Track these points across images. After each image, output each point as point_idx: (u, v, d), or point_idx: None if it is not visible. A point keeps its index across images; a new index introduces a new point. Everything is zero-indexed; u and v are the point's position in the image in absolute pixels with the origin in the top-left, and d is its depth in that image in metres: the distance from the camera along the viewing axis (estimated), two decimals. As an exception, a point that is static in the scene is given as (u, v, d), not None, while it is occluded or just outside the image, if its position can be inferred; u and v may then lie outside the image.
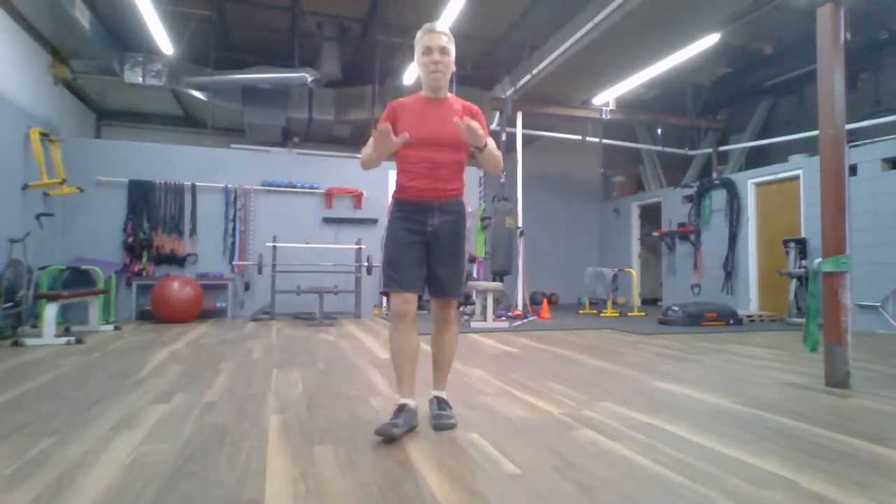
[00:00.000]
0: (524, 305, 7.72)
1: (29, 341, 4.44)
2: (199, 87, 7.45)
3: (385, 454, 1.85)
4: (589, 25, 5.97)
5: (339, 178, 7.81)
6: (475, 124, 2.02)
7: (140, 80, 7.05)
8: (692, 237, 8.67)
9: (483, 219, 8.25)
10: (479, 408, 2.49)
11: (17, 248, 5.25)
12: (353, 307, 7.52)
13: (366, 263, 7.43)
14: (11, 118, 5.49)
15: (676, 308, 6.42)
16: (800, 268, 6.58)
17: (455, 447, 1.93)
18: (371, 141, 2.14)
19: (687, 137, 9.69)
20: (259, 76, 7.36)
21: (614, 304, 8.57)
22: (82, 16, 5.73)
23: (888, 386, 3.04)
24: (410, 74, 7.05)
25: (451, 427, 2.15)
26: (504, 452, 1.87)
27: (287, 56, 7.76)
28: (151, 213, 7.03)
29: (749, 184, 7.79)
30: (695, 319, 6.24)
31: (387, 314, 2.24)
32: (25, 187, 5.69)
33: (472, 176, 8.66)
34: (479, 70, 8.32)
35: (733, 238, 7.92)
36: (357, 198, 7.95)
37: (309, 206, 7.81)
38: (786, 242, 6.89)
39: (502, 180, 7.55)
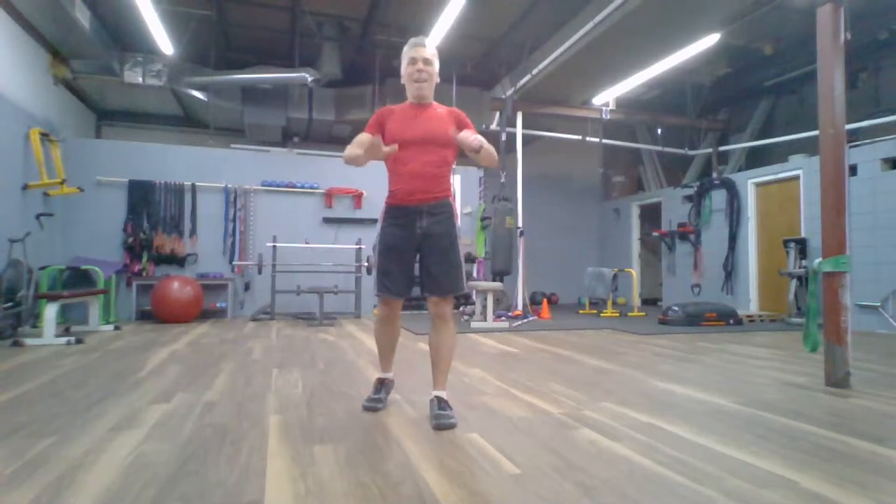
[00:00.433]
0: (524, 305, 7.72)
1: (29, 341, 4.44)
2: (199, 87, 7.44)
3: (385, 454, 1.85)
4: (589, 25, 5.97)
5: (339, 178, 7.81)
6: (469, 132, 2.17)
7: (140, 80, 7.04)
8: (692, 237, 8.67)
9: (483, 219, 8.25)
10: (479, 408, 2.49)
11: (17, 248, 5.25)
12: (353, 307, 7.52)
13: (366, 263, 7.42)
14: (11, 118, 5.49)
15: (676, 308, 6.42)
16: (800, 268, 6.58)
17: (455, 447, 1.93)
18: (358, 139, 2.27)
19: (687, 137, 9.68)
20: (259, 76, 7.35)
21: (614, 304, 8.57)
22: (82, 16, 5.72)
23: (888, 386, 3.04)
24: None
25: (451, 427, 2.17)
26: (504, 452, 1.87)
27: (287, 56, 7.76)
28: (151, 213, 7.03)
29: (749, 184, 7.80)
30: (695, 319, 6.24)
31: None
32: (25, 187, 5.69)
33: (472, 176, 8.66)
34: (479, 70, 8.31)
35: (733, 238, 7.92)
36: (357, 198, 7.95)
37: (309, 206, 7.81)
38: (786, 242, 6.89)
39: (502, 180, 7.55)
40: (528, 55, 7.35)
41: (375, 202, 7.90)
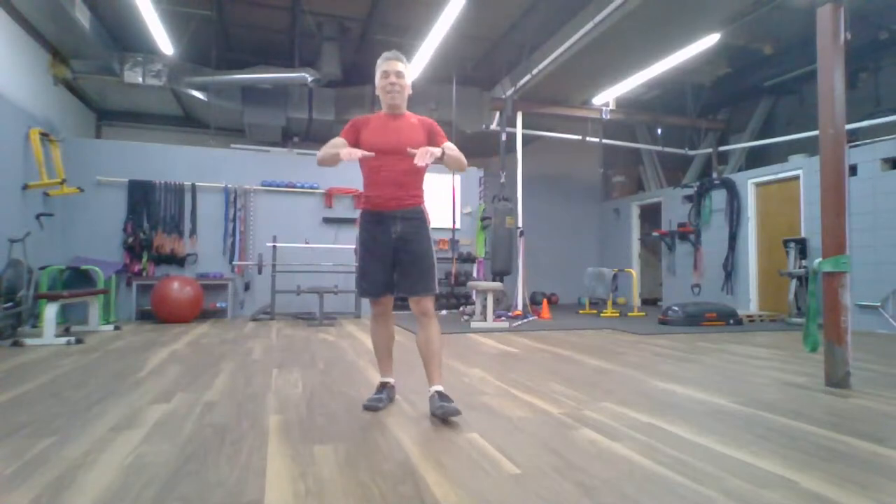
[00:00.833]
0: (524, 305, 7.72)
1: (29, 341, 4.44)
2: (199, 87, 7.44)
3: (385, 454, 1.85)
4: (589, 25, 5.97)
5: (339, 178, 7.80)
6: (424, 149, 2.28)
7: (140, 80, 7.04)
8: (692, 237, 8.66)
9: (483, 219, 8.25)
10: (479, 408, 2.49)
11: (17, 248, 5.25)
12: (353, 307, 7.52)
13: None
14: (11, 118, 5.49)
15: (676, 308, 6.42)
16: (800, 268, 6.58)
17: (455, 447, 1.93)
18: (332, 141, 2.42)
19: (687, 137, 9.68)
20: (259, 76, 7.35)
21: (614, 304, 8.57)
22: (82, 16, 5.72)
23: (888, 386, 3.04)
24: (410, 74, 7.04)
25: (457, 412, 2.24)
26: (504, 452, 1.87)
27: (287, 56, 7.76)
28: (151, 213, 7.03)
29: (749, 184, 7.80)
30: (695, 319, 6.24)
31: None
32: (25, 187, 5.69)
33: (472, 176, 8.66)
34: (479, 70, 8.31)
35: (733, 238, 7.92)
36: (357, 198, 7.95)
37: (309, 206, 7.81)
38: (786, 242, 6.89)
39: (502, 180, 7.55)
40: (528, 55, 7.35)
41: (375, 202, 7.88)
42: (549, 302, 9.50)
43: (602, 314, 7.77)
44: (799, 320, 6.29)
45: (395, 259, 2.46)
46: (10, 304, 4.79)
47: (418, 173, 2.48)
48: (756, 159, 8.73)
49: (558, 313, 8.08)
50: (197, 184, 7.25)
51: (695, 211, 8.63)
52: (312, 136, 8.92)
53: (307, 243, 7.60)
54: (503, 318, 6.56)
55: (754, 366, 3.68)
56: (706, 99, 9.16)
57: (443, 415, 2.23)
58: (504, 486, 1.58)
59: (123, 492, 1.51)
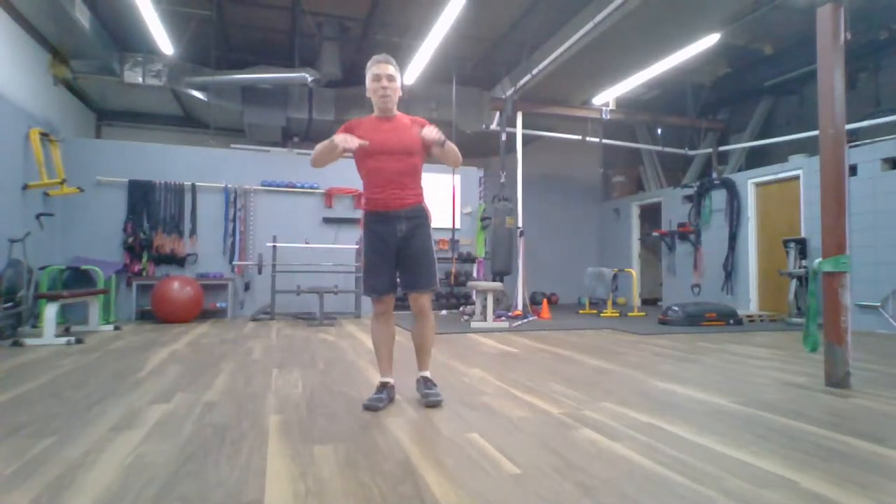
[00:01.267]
0: (524, 305, 7.72)
1: (29, 341, 4.44)
2: (199, 87, 7.44)
3: (385, 454, 1.85)
4: (589, 25, 5.97)
5: (339, 178, 7.80)
6: (431, 127, 2.44)
7: (140, 80, 7.04)
8: (692, 237, 8.66)
9: (483, 219, 8.24)
10: (479, 408, 2.49)
11: (17, 248, 5.25)
12: (353, 307, 7.52)
13: (366, 263, 7.41)
14: (11, 118, 5.49)
15: (676, 308, 6.42)
16: (800, 268, 6.58)
17: (455, 447, 1.93)
18: (325, 142, 2.45)
19: (687, 137, 9.68)
20: (259, 76, 7.35)
21: (614, 304, 8.57)
22: (82, 16, 5.72)
23: (888, 386, 3.04)
24: (410, 74, 7.05)
25: (439, 403, 2.49)
26: (504, 452, 1.87)
27: (287, 56, 7.76)
28: (151, 213, 7.03)
29: (749, 184, 7.79)
30: (695, 319, 6.24)
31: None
32: (25, 187, 5.69)
33: (472, 176, 8.66)
34: (479, 70, 8.31)
35: (733, 238, 7.92)
36: (357, 198, 7.95)
37: (309, 206, 7.81)
38: (786, 242, 6.89)
39: (502, 180, 7.55)
40: (528, 55, 7.35)
41: (375, 202, 7.88)
42: (549, 302, 9.50)
43: (602, 314, 7.77)
44: (799, 320, 6.28)
45: (398, 257, 2.54)
46: (10, 304, 4.79)
47: (416, 172, 2.57)
48: (756, 159, 8.74)
49: (558, 313, 8.08)
50: (197, 184, 7.25)
51: (695, 211, 8.63)
52: (312, 136, 8.91)
53: (307, 243, 7.60)
54: (503, 318, 6.56)
55: (754, 366, 3.68)
56: (706, 99, 9.16)
57: (427, 403, 2.48)
58: (504, 486, 1.58)
59: (123, 492, 1.51)
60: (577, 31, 6.23)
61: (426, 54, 6.51)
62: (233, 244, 7.37)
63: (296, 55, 7.52)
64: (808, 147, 7.22)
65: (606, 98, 8.37)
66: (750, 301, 7.65)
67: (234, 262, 7.34)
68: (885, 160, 6.04)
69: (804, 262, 6.64)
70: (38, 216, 5.90)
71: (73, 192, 6.30)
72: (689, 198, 8.82)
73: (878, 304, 5.91)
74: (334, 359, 3.87)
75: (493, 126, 8.41)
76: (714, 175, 8.81)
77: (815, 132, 3.23)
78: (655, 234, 9.51)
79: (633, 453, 1.86)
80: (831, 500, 1.50)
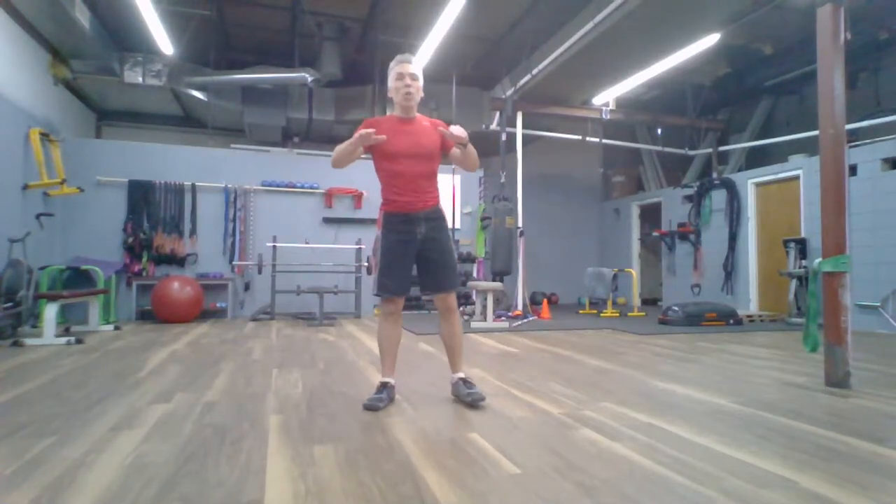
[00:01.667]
0: (524, 305, 7.72)
1: (29, 341, 4.44)
2: (199, 87, 7.44)
3: (385, 454, 1.85)
4: (589, 25, 5.97)
5: (339, 178, 7.80)
6: (458, 126, 2.44)
7: (140, 80, 7.04)
8: (692, 237, 8.66)
9: (483, 219, 8.24)
10: (479, 408, 2.49)
11: (17, 248, 5.25)
12: (353, 307, 7.52)
13: (366, 263, 7.42)
14: (11, 118, 5.49)
15: (676, 308, 6.42)
16: (800, 268, 6.58)
17: (455, 447, 1.93)
18: (346, 143, 2.45)
19: (687, 137, 9.68)
20: (259, 76, 7.35)
21: (614, 304, 8.57)
22: (82, 16, 5.72)
23: (888, 386, 3.04)
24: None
25: (483, 399, 2.49)
26: (504, 452, 1.87)
27: (287, 56, 7.75)
28: (151, 213, 7.03)
29: (749, 184, 7.80)
30: (695, 319, 6.24)
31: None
32: (25, 187, 5.69)
33: (471, 176, 8.66)
34: (479, 70, 8.31)
35: (733, 238, 7.92)
36: (357, 198, 7.96)
37: (309, 206, 7.81)
38: (786, 242, 6.89)
39: (502, 180, 7.55)
40: (528, 55, 7.35)
41: (375, 202, 7.83)
42: (549, 302, 9.50)
43: (602, 314, 7.77)
44: (799, 320, 6.28)
45: (419, 258, 2.57)
46: (10, 304, 4.79)
47: (434, 175, 2.60)
48: (756, 159, 8.74)
49: (558, 313, 8.08)
50: (197, 184, 7.25)
51: (695, 211, 8.63)
52: (312, 136, 8.92)
53: (307, 243, 7.60)
54: (503, 318, 6.56)
55: (754, 366, 3.68)
56: (706, 99, 9.16)
57: (472, 402, 2.47)
58: (504, 486, 1.58)
59: (123, 492, 1.51)
60: (576, 31, 6.23)
61: (426, 54, 6.51)
62: (233, 244, 7.37)
63: (296, 55, 7.52)
64: (808, 147, 7.22)
65: (606, 98, 8.37)
66: (750, 301, 7.65)
67: (234, 262, 7.34)
68: (885, 160, 6.04)
69: (804, 262, 6.64)
70: (38, 216, 5.90)
71: (73, 192, 6.30)
72: (689, 198, 8.82)
73: (878, 304, 5.91)
74: (334, 359, 3.87)
75: (493, 126, 8.41)
76: (714, 175, 8.81)
77: (815, 132, 3.23)
78: (655, 234, 9.51)
79: (633, 453, 1.86)
80: (831, 500, 1.50)
